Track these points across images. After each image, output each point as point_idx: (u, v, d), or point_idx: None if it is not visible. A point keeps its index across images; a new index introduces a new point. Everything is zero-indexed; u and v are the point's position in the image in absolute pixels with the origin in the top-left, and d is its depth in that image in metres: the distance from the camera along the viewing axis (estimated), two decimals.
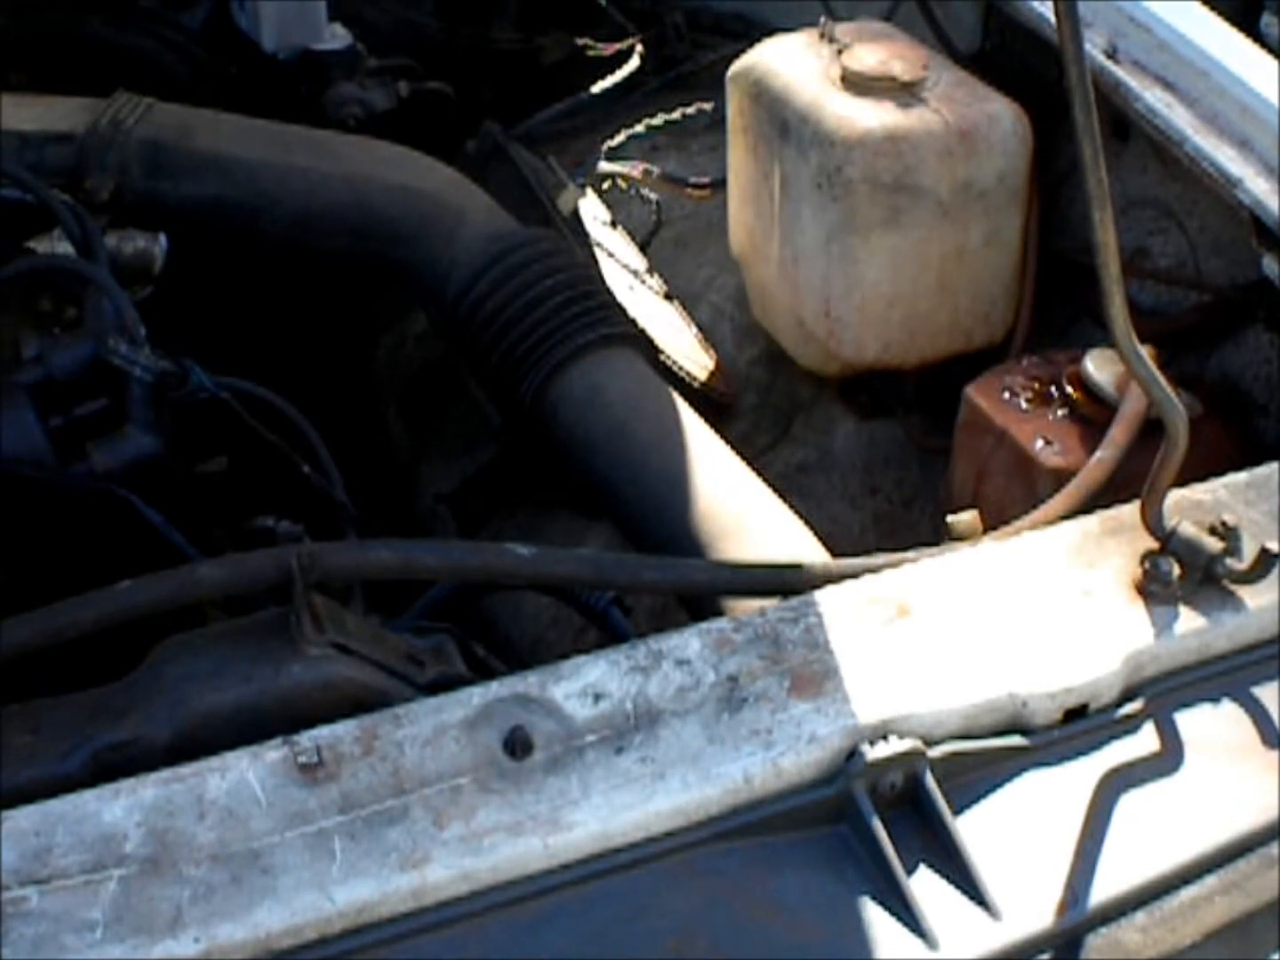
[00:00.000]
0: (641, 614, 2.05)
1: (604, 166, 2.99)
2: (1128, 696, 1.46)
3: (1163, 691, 1.49)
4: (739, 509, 1.89)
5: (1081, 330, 2.50)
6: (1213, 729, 1.47)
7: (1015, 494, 2.01)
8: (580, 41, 3.37)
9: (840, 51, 2.45)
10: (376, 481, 2.45)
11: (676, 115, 3.15)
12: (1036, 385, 2.13)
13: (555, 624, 2.24)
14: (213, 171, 2.27)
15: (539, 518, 2.35)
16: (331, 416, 2.12)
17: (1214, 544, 1.51)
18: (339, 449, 1.96)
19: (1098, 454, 1.88)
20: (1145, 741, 1.45)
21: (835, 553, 1.84)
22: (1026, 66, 2.55)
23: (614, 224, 2.95)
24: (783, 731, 1.35)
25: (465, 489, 2.38)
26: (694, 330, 2.73)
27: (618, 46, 3.35)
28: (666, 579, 1.59)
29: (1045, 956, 1.29)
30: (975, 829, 1.34)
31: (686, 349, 2.63)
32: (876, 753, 1.33)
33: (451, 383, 2.53)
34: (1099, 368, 2.07)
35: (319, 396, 2.21)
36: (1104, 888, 1.32)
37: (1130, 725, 1.46)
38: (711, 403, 2.53)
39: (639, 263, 2.85)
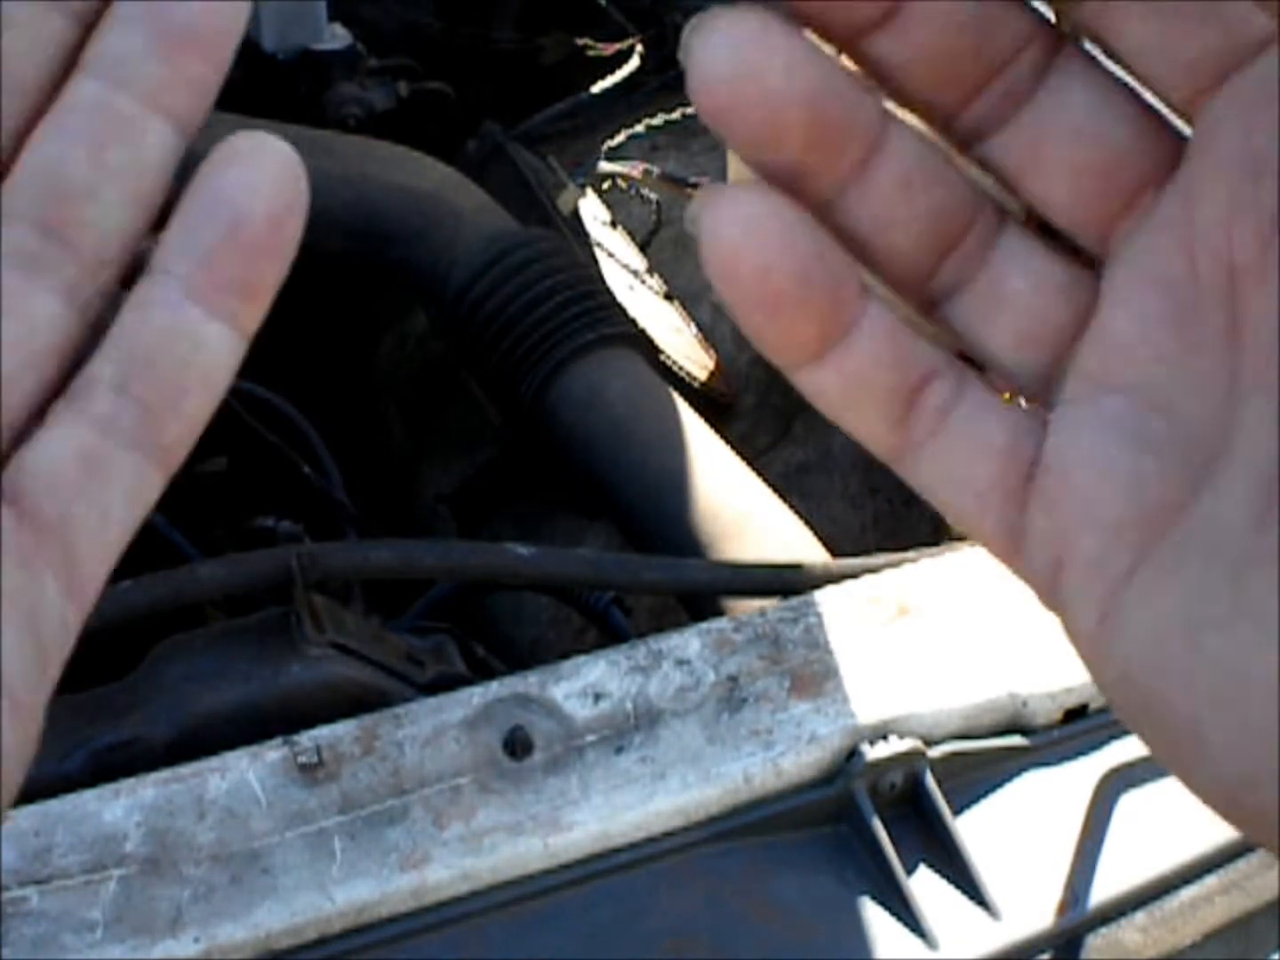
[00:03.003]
0: (641, 614, 2.05)
1: (604, 166, 2.98)
2: None
3: None
4: (739, 509, 1.89)
5: None
6: None
7: None
8: (580, 41, 3.37)
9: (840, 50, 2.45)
10: (376, 481, 2.45)
11: (676, 115, 3.14)
12: None
13: (555, 624, 2.24)
14: None
15: (539, 518, 2.35)
16: (331, 416, 2.12)
17: None
18: (339, 449, 1.96)
19: None
20: None
21: (835, 553, 1.84)
22: None
23: (614, 224, 2.94)
24: (783, 731, 1.35)
25: (465, 489, 2.37)
26: (694, 330, 2.73)
27: (618, 46, 3.35)
28: (666, 579, 1.59)
29: (1045, 957, 1.30)
30: (975, 829, 1.34)
31: (686, 349, 2.63)
32: (877, 753, 1.33)
33: (451, 383, 2.52)
34: None
35: (319, 396, 2.21)
36: (1104, 888, 1.32)
37: None
38: (711, 403, 2.52)
39: (639, 263, 2.84)
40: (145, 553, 1.65)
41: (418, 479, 2.57)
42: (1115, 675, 0.50)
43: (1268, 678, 0.45)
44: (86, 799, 1.25)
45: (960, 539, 1.66)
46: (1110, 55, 0.51)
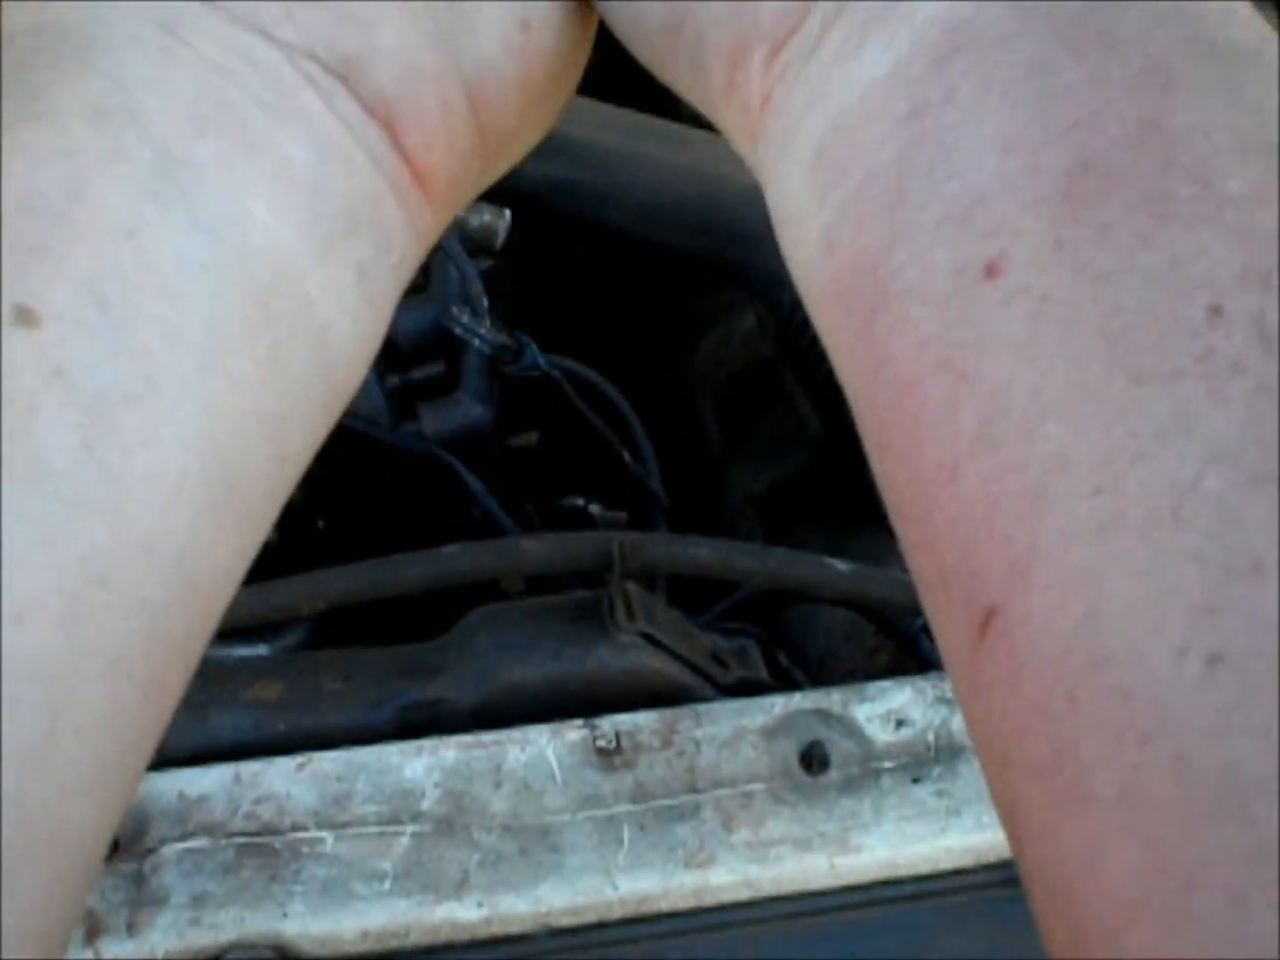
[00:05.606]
0: None
1: None
2: None
3: None
4: None
5: None
6: None
7: None
8: None
9: None
10: (684, 475, 2.46)
11: None
12: None
13: (848, 640, 2.22)
14: (569, 154, 2.30)
15: (844, 531, 2.33)
16: (648, 407, 2.13)
17: None
18: (652, 439, 1.97)
19: None
20: None
21: None
22: None
23: None
24: None
25: (774, 494, 2.36)
26: None
27: None
28: None
29: None
30: None
31: None
32: None
33: (771, 386, 2.52)
34: None
35: (638, 386, 2.22)
36: None
37: None
38: None
39: None
40: (462, 521, 1.69)
41: (726, 478, 2.57)
42: None
43: None
44: (390, 752, 1.28)
45: None
46: None
